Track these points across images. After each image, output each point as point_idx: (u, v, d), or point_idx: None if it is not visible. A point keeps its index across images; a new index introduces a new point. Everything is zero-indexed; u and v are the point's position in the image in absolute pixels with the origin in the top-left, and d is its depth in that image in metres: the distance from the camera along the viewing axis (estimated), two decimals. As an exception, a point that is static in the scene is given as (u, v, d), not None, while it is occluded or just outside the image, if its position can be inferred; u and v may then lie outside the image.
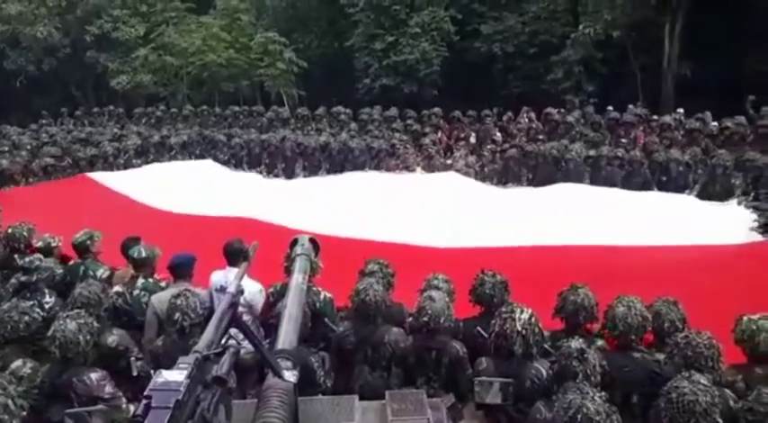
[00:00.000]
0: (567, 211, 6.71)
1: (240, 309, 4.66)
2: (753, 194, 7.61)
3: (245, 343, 1.95)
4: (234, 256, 4.66)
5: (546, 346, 3.75)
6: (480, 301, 4.32)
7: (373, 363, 4.15)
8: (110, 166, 10.54)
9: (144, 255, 5.09)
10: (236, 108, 15.66)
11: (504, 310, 3.76)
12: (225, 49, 20.13)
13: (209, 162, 9.86)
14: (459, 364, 3.95)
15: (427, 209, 6.88)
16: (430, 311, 3.92)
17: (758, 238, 6.02)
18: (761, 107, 11.44)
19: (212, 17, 21.64)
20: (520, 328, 3.61)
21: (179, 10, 21.61)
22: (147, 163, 10.91)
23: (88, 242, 5.52)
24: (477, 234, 5.99)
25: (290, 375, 1.96)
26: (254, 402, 2.08)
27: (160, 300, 4.55)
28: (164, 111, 16.42)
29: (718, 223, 6.31)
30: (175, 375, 1.49)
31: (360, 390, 3.87)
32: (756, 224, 6.44)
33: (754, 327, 3.67)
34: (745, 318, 3.75)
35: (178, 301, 4.00)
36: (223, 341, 1.79)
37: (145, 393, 1.44)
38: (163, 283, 5.05)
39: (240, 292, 1.95)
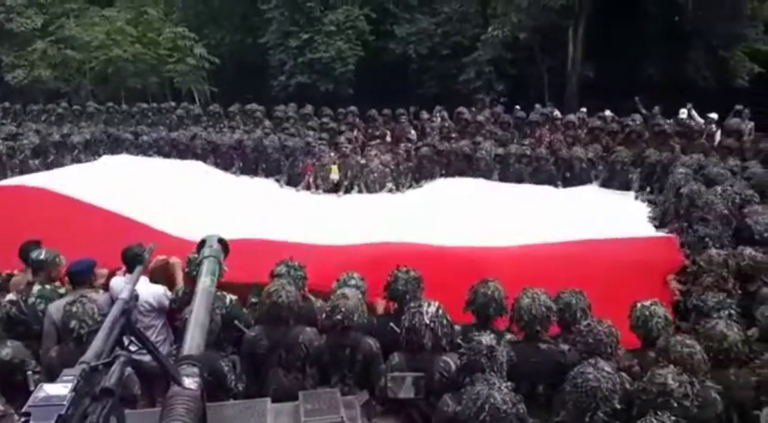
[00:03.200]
0: (479, 207, 6.88)
1: (145, 313, 4.54)
2: (648, 189, 8.10)
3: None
4: (132, 261, 4.46)
5: (458, 339, 3.83)
6: (394, 297, 4.36)
7: (287, 364, 4.09)
8: (2, 166, 9.82)
9: (43, 257, 4.78)
10: (144, 105, 14.97)
11: (412, 305, 3.83)
12: (131, 44, 19.32)
13: (124, 156, 9.36)
14: (372, 360, 3.96)
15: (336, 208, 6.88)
16: (343, 309, 3.91)
17: (652, 229, 6.42)
18: (653, 106, 12.28)
19: (116, 10, 20.68)
20: (428, 322, 3.68)
21: (80, 2, 20.51)
22: (46, 163, 10.25)
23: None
24: (390, 231, 6.02)
25: (191, 382, 1.88)
26: (159, 411, 2.00)
27: (58, 308, 4.26)
28: (65, 108, 15.44)
29: (618, 216, 6.68)
30: (58, 389, 1.39)
31: (274, 393, 3.81)
32: (651, 216, 6.88)
33: (647, 313, 3.91)
34: (638, 304, 3.99)
35: (74, 308, 3.79)
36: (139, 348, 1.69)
37: (23, 410, 1.34)
38: (62, 290, 4.77)
39: (135, 297, 1.86)
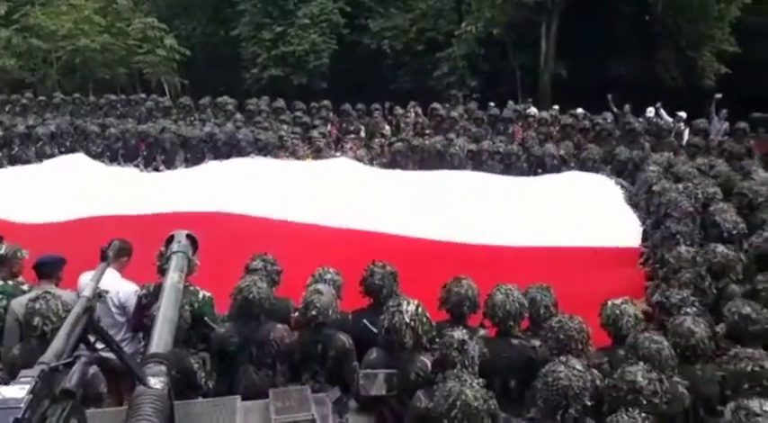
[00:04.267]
0: (460, 200, 6.81)
1: (113, 310, 4.44)
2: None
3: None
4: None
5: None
6: (370, 293, 4.33)
7: (258, 361, 4.04)
8: (-36, 158, 9.53)
9: (3, 252, 4.64)
10: (113, 96, 14.67)
11: (391, 303, 3.80)
12: (99, 34, 18.83)
13: (80, 157, 9.01)
14: (345, 356, 3.94)
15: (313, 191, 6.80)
16: (318, 305, 3.88)
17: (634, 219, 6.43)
18: (624, 105, 12.46)
19: (84, -1, 20.18)
20: (408, 320, 3.66)
21: (46, -11, 19.96)
22: (11, 155, 9.96)
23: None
24: (363, 218, 5.97)
25: (157, 382, 1.83)
26: (125, 410, 1.94)
27: (21, 304, 4.13)
28: (30, 98, 15.02)
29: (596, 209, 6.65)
30: (14, 391, 1.33)
31: (245, 390, 3.75)
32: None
33: (618, 311, 3.95)
34: (609, 302, 4.03)
35: (37, 305, 3.68)
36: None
37: (-23, 414, 1.28)
38: (25, 286, 4.63)
39: (98, 295, 1.79)
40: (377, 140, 10.54)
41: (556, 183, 7.59)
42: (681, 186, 6.42)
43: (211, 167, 8.07)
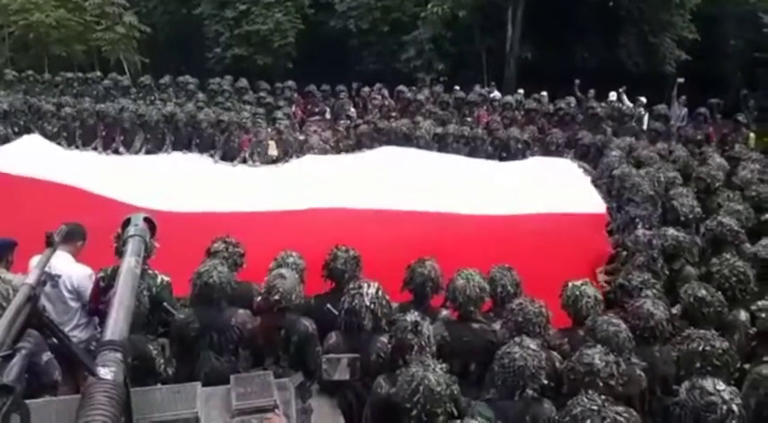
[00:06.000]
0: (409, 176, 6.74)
1: (67, 295, 4.31)
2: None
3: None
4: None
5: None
6: (332, 277, 4.30)
7: (219, 347, 3.97)
8: None
9: None
10: (69, 74, 14.21)
11: (351, 286, 3.81)
12: (54, 9, 18.12)
13: (35, 138, 8.66)
14: (308, 341, 3.90)
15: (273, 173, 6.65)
16: (281, 290, 3.82)
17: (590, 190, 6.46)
18: (588, 90, 12.62)
19: (38, -29, 19.34)
20: (368, 303, 3.68)
21: (-5, -39, 19.07)
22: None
23: None
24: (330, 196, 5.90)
25: (107, 372, 1.76)
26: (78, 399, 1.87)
27: (-31, 290, 3.99)
28: (-20, 75, 14.51)
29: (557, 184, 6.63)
30: (-52, 386, 1.26)
31: (206, 377, 3.67)
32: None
33: (578, 293, 4.00)
34: (570, 284, 4.08)
35: (-17, 289, 3.53)
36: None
37: None
38: (-26, 271, 4.45)
39: (49, 278, 1.71)
40: (342, 122, 10.45)
41: (520, 164, 7.65)
42: (643, 171, 6.53)
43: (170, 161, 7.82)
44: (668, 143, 8.66)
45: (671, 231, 5.07)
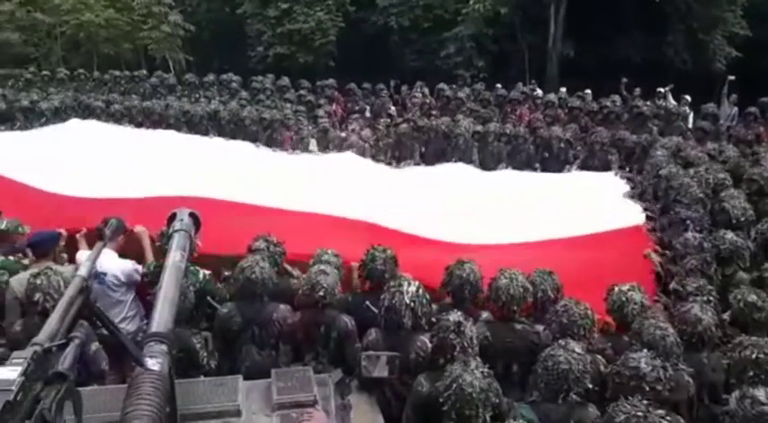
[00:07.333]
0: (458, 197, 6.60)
1: (114, 290, 4.40)
2: (627, 169, 8.08)
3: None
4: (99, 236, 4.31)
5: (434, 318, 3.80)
6: (371, 276, 4.30)
7: (261, 342, 4.03)
8: (-35, 132, 9.46)
9: (3, 227, 4.62)
10: (117, 73, 14.60)
11: (392, 284, 3.80)
12: (104, 9, 18.69)
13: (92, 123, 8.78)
14: (347, 337, 3.92)
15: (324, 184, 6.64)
16: (324, 285, 3.86)
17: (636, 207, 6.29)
18: (633, 88, 12.30)
19: (88, -28, 19.94)
20: (408, 301, 3.67)
21: (49, -37, 19.71)
22: (12, 130, 9.89)
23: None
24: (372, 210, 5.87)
25: (154, 363, 1.79)
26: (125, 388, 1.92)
27: (20, 281, 4.11)
28: (34, 73, 15.02)
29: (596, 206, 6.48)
30: (6, 373, 1.29)
31: (247, 370, 3.74)
32: (630, 194, 6.81)
33: (624, 298, 3.90)
34: (616, 288, 3.98)
35: (38, 281, 3.67)
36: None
37: (-32, 397, 1.24)
38: (26, 261, 4.62)
39: (94, 275, 1.76)
40: (382, 120, 10.45)
41: (563, 182, 7.41)
42: (691, 171, 6.33)
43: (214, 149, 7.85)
44: (717, 143, 8.37)
45: (729, 235, 4.87)
